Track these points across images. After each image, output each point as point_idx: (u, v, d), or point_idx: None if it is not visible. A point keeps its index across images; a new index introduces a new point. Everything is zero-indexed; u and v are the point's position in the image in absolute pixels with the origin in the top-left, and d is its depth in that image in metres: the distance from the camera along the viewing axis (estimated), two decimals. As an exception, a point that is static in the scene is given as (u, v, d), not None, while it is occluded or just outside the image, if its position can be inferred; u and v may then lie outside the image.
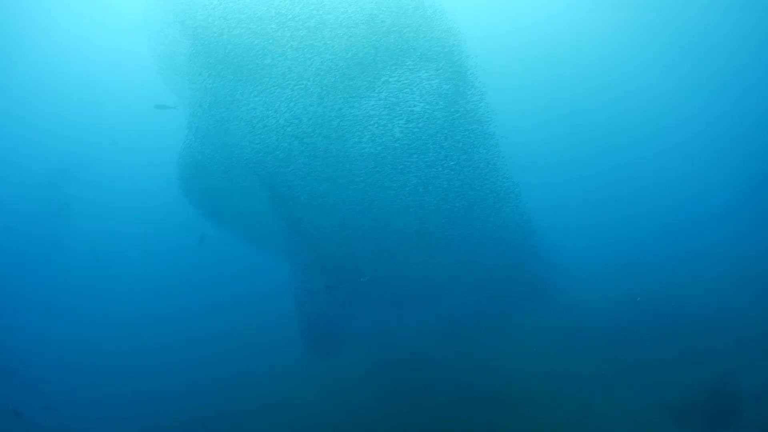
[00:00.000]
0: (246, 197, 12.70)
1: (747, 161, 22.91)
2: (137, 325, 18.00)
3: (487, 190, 11.60)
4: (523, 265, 12.06)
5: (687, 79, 29.04)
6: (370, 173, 11.11)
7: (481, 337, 11.17)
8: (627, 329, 10.39)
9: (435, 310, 12.07)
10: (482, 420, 8.20)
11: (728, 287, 11.75)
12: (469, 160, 11.35)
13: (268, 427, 9.64)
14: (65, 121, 32.27)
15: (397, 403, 9.30)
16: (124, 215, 31.64)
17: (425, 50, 10.82)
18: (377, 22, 10.43)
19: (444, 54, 10.95)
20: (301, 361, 12.09)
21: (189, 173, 13.20)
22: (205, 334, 16.03)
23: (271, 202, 11.63)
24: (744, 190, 19.44)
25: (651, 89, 29.31)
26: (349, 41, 10.47)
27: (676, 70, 28.65)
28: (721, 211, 19.54)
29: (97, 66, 28.94)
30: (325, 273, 11.52)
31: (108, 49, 27.11)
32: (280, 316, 13.69)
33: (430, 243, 11.33)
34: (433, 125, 11.05)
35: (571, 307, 11.91)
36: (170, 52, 13.55)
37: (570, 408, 8.07)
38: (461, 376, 9.77)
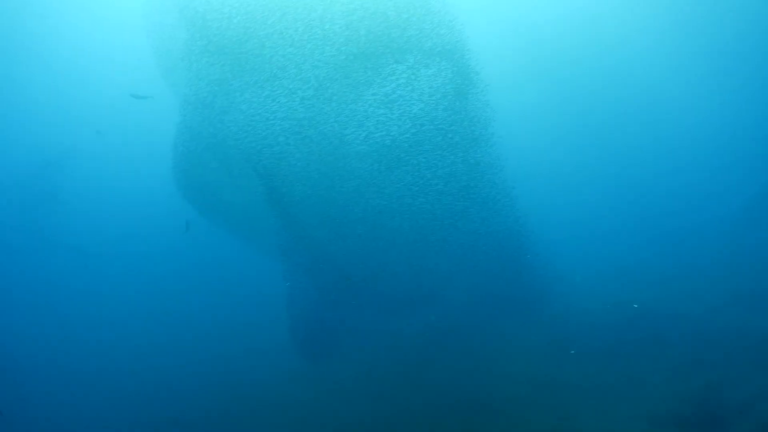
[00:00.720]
0: (240, 191, 12.51)
1: (742, 176, 23.14)
2: (125, 321, 17.67)
3: (485, 194, 11.52)
4: (517, 270, 12.02)
5: (692, 86, 29.15)
6: (366, 171, 10.98)
7: (471, 342, 11.09)
8: (616, 338, 10.36)
9: (427, 312, 11.98)
10: (470, 426, 8.09)
11: (718, 298, 11.78)
12: (468, 161, 11.25)
13: (258, 427, 9.48)
14: (57, 109, 31.62)
15: (384, 407, 9.16)
16: (114, 208, 31.15)
17: (428, 48, 10.68)
18: (380, 16, 10.28)
19: (447, 52, 10.81)
20: (292, 362, 11.92)
21: (181, 164, 12.96)
22: (195, 332, 15.72)
23: (267, 198, 11.45)
24: (736, 203, 19.63)
25: (657, 95, 29.39)
26: (351, 35, 10.31)
27: (681, 77, 28.74)
28: (713, 223, 19.72)
29: (89, 54, 28.38)
30: (319, 273, 11.37)
31: (100, 36, 26.59)
32: (273, 316, 13.51)
33: (426, 245, 11.24)
34: (432, 125, 10.93)
35: (562, 314, 11.89)
36: (166, 40, 13.28)
37: (556, 416, 7.98)
38: (450, 381, 9.69)
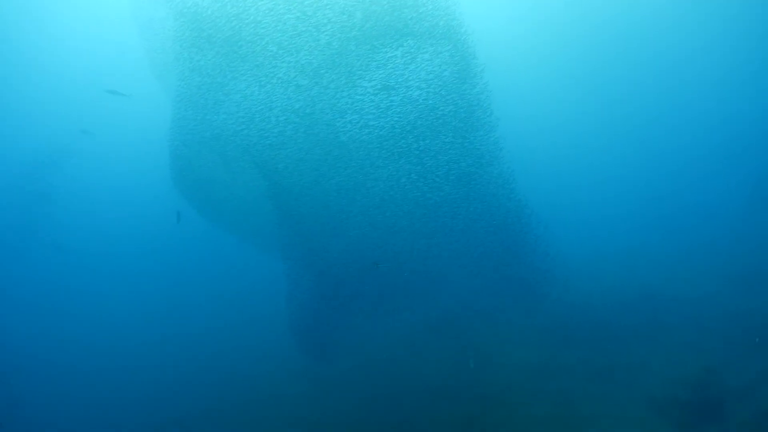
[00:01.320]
0: (237, 185, 12.35)
1: (739, 164, 23.00)
2: (123, 321, 17.56)
3: (485, 179, 11.38)
4: (518, 256, 11.95)
5: (692, 68, 28.64)
6: (365, 159, 10.82)
7: (472, 329, 11.11)
8: (615, 322, 10.37)
9: (427, 302, 11.96)
10: (470, 413, 8.13)
11: (718, 282, 11.80)
12: (468, 148, 11.08)
13: (255, 424, 9.45)
14: (50, 108, 31.00)
15: (386, 396, 9.17)
16: (110, 207, 30.90)
17: (426, 31, 10.42)
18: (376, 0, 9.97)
19: (445, 35, 10.56)
20: (292, 358, 11.81)
21: (177, 160, 12.75)
22: (193, 330, 15.60)
23: (264, 190, 11.30)
24: (737, 188, 19.55)
25: (658, 80, 28.88)
26: (346, 20, 10.05)
27: (682, 58, 28.18)
28: (713, 207, 19.69)
29: (79, 51, 27.70)
30: (317, 266, 11.30)
31: (89, 32, 25.93)
32: (272, 312, 13.45)
33: (427, 233, 11.15)
34: (432, 111, 10.75)
35: (561, 298, 11.89)
36: (157, 32, 12.94)
37: (554, 402, 8.00)
38: (451, 369, 9.70)
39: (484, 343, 10.49)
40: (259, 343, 13.49)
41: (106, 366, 13.99)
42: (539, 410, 7.88)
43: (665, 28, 26.54)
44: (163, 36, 12.87)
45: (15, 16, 24.12)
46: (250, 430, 9.29)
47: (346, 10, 9.99)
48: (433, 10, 10.47)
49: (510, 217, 11.91)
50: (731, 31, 26.85)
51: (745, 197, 18.33)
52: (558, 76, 29.32)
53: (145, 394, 11.86)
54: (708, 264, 13.44)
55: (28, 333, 17.21)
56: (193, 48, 10.73)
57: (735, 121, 27.81)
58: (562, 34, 26.92)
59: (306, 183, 10.82)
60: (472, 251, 11.76)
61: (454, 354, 10.28)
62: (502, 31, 25.18)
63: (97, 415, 11.23)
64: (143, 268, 23.88)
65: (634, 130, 29.93)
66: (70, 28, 25.74)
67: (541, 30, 26.75)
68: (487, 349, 10.25)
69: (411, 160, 10.91)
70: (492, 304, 11.82)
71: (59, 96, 30.41)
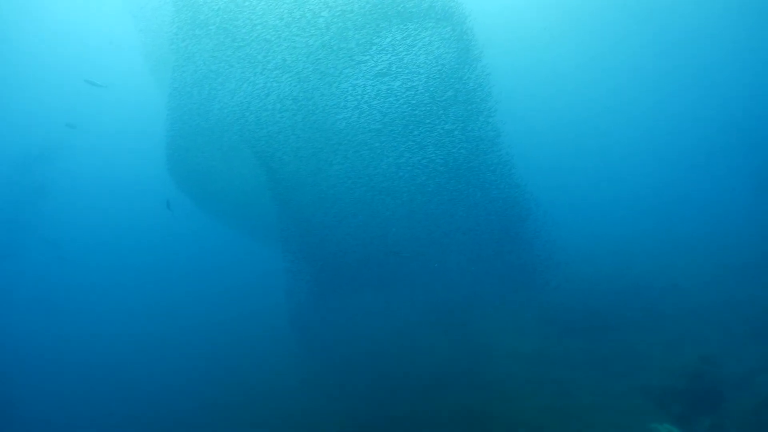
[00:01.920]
0: (235, 176, 12.23)
1: (737, 152, 22.95)
2: (117, 316, 17.44)
3: (485, 167, 11.30)
4: (518, 243, 11.89)
5: (697, 65, 28.30)
6: (364, 147, 10.71)
7: (470, 319, 11.08)
8: (613, 311, 10.32)
9: (427, 290, 11.92)
10: (467, 402, 8.07)
11: (717, 272, 11.75)
12: (468, 134, 10.97)
13: (255, 418, 9.36)
14: (45, 102, 30.51)
15: (384, 386, 9.12)
16: (105, 201, 30.65)
17: (423, 13, 10.25)
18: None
19: (443, 18, 10.39)
20: (290, 349, 11.77)
21: (174, 152, 12.60)
22: (193, 325, 15.50)
23: (262, 181, 11.17)
24: (736, 178, 19.53)
25: (662, 72, 28.60)
26: (346, 3, 9.86)
27: (688, 51, 27.82)
28: (709, 194, 19.68)
29: (71, 42, 27.18)
30: (316, 255, 11.24)
31: (83, 23, 25.41)
32: (270, 304, 13.37)
33: (427, 222, 11.09)
34: (431, 97, 10.62)
35: (560, 287, 11.82)
36: (150, 21, 12.69)
37: (552, 391, 7.95)
38: (448, 358, 9.68)
39: (482, 331, 10.46)
40: (258, 336, 13.45)
41: (102, 361, 13.90)
42: (537, 399, 7.82)
43: (667, 13, 26.19)
44: (157, 25, 12.65)
45: (7, 11, 23.66)
46: (250, 425, 9.26)
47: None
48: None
49: (510, 204, 11.86)
50: (734, 20, 26.56)
51: (744, 186, 18.32)
52: (559, 61, 29.03)
53: (144, 389, 11.80)
54: (706, 253, 13.44)
55: (23, 329, 17.02)
56: (188, 36, 10.52)
57: (735, 110, 27.68)
58: (563, 17, 26.53)
59: (305, 172, 10.72)
60: (472, 238, 11.71)
61: (453, 343, 10.26)
62: (500, 13, 24.77)
63: (94, 410, 11.15)
64: (140, 263, 23.74)
65: (635, 117, 29.80)
66: (62, 19, 25.26)
67: (540, 13, 26.34)
68: (486, 337, 10.23)
69: (411, 147, 10.80)
70: (492, 292, 11.79)
71: (53, 89, 29.98)
